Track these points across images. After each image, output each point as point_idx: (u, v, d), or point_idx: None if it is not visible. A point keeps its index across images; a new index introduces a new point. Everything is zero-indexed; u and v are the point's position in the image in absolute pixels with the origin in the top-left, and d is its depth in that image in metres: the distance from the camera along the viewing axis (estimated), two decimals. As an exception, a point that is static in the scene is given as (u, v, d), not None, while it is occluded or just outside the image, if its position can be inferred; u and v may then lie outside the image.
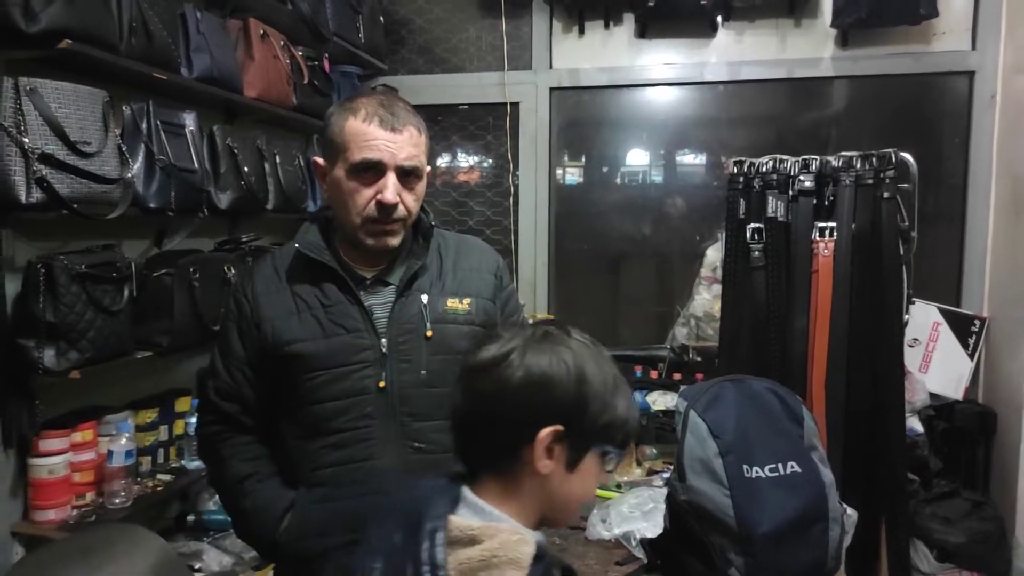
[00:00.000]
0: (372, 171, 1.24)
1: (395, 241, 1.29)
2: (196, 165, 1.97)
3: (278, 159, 2.39)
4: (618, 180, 3.43)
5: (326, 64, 2.74)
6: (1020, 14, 2.78)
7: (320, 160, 1.32)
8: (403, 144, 1.25)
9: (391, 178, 1.24)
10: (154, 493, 1.97)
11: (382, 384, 1.25)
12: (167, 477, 2.04)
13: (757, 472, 1.36)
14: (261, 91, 2.31)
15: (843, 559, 2.16)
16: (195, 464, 2.12)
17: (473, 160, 3.51)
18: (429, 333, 1.28)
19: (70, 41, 1.55)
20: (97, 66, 1.72)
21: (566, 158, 3.45)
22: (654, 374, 2.75)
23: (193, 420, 2.10)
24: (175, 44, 1.95)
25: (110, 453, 1.83)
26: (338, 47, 2.85)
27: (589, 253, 3.45)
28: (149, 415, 2.07)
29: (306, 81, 2.55)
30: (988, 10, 2.92)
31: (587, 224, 3.44)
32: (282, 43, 2.44)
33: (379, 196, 1.23)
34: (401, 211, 1.26)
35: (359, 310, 1.27)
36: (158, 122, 1.85)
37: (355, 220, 1.26)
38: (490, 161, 3.49)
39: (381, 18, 3.26)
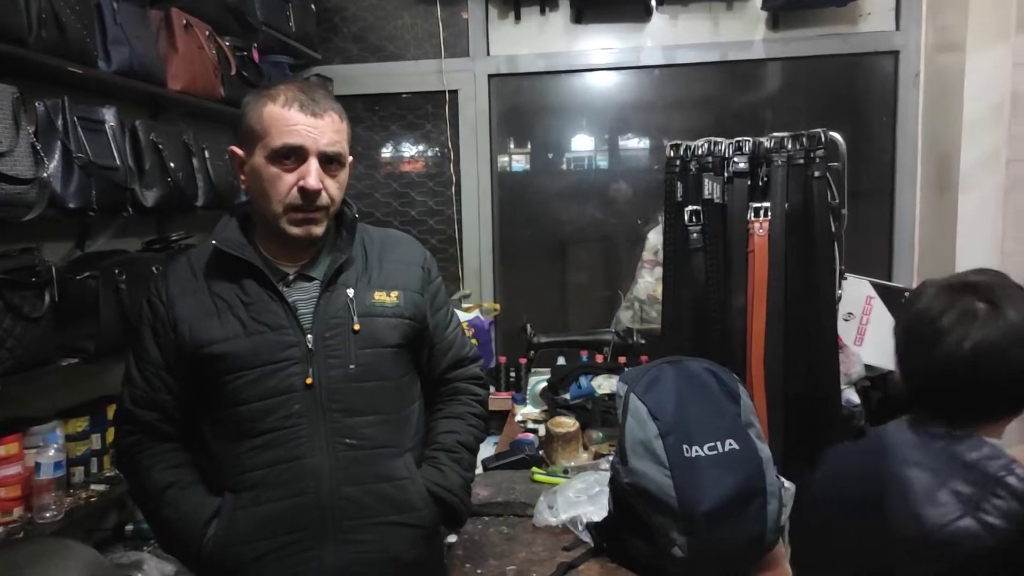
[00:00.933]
0: (293, 157, 1.21)
1: (319, 230, 1.26)
2: (118, 162, 1.89)
3: (207, 154, 2.31)
4: (562, 166, 3.43)
5: (255, 54, 2.66)
6: (940, -5, 2.88)
7: (237, 149, 1.27)
8: (325, 129, 1.22)
9: (313, 163, 1.21)
10: (88, 504, 1.90)
11: (309, 381, 1.22)
12: (101, 487, 1.97)
13: (697, 451, 1.38)
14: (186, 83, 2.23)
15: (782, 531, 2.24)
16: (132, 472, 2.05)
17: (414, 150, 3.47)
18: (357, 327, 1.26)
19: (-29, 35, 1.46)
20: (3, 61, 1.63)
21: (512, 145, 3.44)
22: (600, 358, 2.77)
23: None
24: (91, 36, 1.86)
25: (38, 465, 1.76)
26: (268, 37, 2.77)
27: (534, 240, 3.45)
28: (79, 424, 1.99)
29: (234, 72, 2.47)
30: (910, -9, 3.02)
31: (531, 211, 3.44)
32: (207, 33, 2.36)
33: (301, 182, 1.20)
34: (324, 199, 1.23)
35: (282, 306, 1.24)
36: (75, 118, 1.76)
37: (276, 208, 1.22)
38: (431, 150, 3.45)
39: (313, 6, 3.18)
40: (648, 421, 1.40)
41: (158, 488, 1.24)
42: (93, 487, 1.97)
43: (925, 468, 1.04)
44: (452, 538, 1.63)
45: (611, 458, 2.04)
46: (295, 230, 1.23)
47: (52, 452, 1.77)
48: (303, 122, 1.20)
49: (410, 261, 1.39)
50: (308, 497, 1.21)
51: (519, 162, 3.47)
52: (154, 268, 2.01)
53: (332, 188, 1.25)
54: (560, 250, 3.49)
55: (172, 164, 2.11)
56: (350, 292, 1.28)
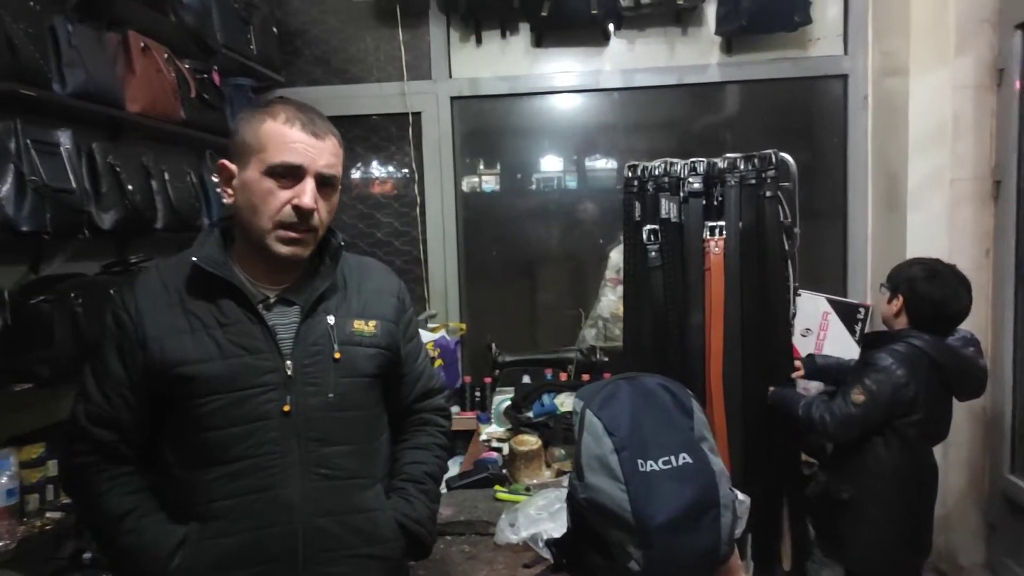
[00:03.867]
0: (290, 175, 1.18)
1: (305, 252, 1.23)
2: (74, 184, 1.88)
3: (167, 176, 2.30)
4: (526, 187, 3.48)
5: (216, 77, 2.66)
6: (885, 20, 2.99)
7: (228, 163, 1.23)
8: (324, 151, 1.21)
9: (310, 183, 1.19)
10: (43, 533, 1.86)
11: (287, 408, 1.18)
12: (57, 515, 1.93)
13: (651, 465, 1.39)
14: (145, 106, 2.23)
15: (737, 544, 2.26)
16: (87, 499, 2.02)
17: (378, 171, 3.49)
18: (338, 355, 1.23)
19: (-80, 57, 1.45)
20: (-45, 84, 1.62)
21: (481, 166, 3.47)
22: (564, 376, 2.79)
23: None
24: (44, 59, 1.85)
25: (-12, 493, 1.72)
26: (228, 59, 2.78)
27: (499, 260, 3.49)
28: (34, 450, 1.95)
29: (194, 95, 2.47)
30: (857, 17, 3.14)
31: (496, 231, 3.48)
32: (166, 56, 2.36)
33: (296, 200, 1.17)
34: (316, 219, 1.21)
35: (262, 330, 1.19)
36: (27, 141, 1.75)
37: (265, 224, 1.18)
38: (396, 172, 3.47)
39: (275, 29, 3.20)
40: (603, 436, 1.41)
41: (116, 514, 1.17)
42: (48, 515, 1.92)
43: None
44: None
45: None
46: (283, 248, 1.20)
47: (4, 479, 1.74)
48: (304, 141, 1.18)
49: (386, 290, 1.37)
50: (280, 528, 1.17)
51: (483, 183, 3.50)
52: (111, 291, 2.00)
53: (324, 210, 1.22)
54: (525, 270, 3.52)
55: (130, 186, 2.10)
56: (331, 319, 1.25)
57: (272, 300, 1.24)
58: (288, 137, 1.18)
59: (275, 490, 1.17)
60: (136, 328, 1.18)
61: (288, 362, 1.19)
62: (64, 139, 1.90)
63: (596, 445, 1.43)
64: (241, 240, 1.25)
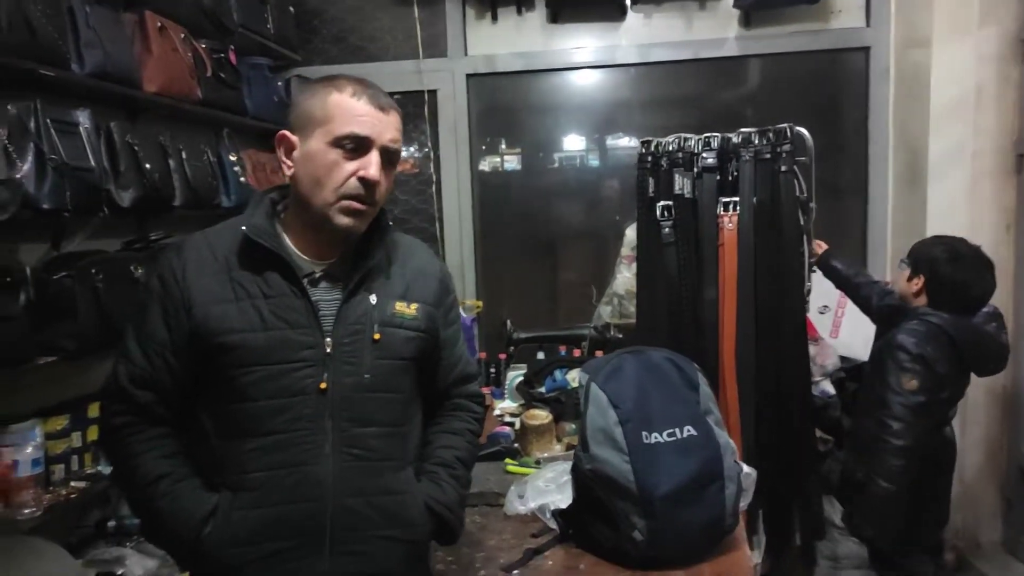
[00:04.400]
0: (357, 147, 1.17)
1: (363, 226, 1.22)
2: (93, 163, 1.91)
3: (184, 155, 2.34)
4: (542, 164, 3.47)
5: (232, 56, 2.68)
6: (908, -9, 2.93)
7: (289, 134, 1.21)
8: (389, 125, 1.20)
9: (375, 155, 1.18)
10: (68, 501, 1.92)
11: (323, 386, 1.17)
12: (82, 484, 1.99)
13: (656, 438, 1.42)
14: (162, 86, 2.26)
15: (748, 519, 2.28)
16: (112, 469, 2.08)
17: (394, 149, 3.50)
18: (377, 336, 1.21)
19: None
20: (-29, 64, 1.65)
21: (491, 144, 3.47)
22: (577, 353, 2.80)
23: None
24: (63, 39, 1.88)
25: (15, 463, 1.78)
26: (245, 38, 2.80)
27: (515, 237, 3.50)
28: (60, 422, 2.01)
29: (210, 74, 2.50)
30: (880, -12, 3.06)
31: (512, 208, 3.48)
32: (183, 36, 2.38)
33: (363, 172, 1.17)
34: (379, 193, 1.20)
35: (305, 304, 1.18)
36: (47, 120, 1.78)
37: (328, 196, 1.17)
38: (412, 149, 3.48)
39: (292, 8, 3.22)
40: (608, 409, 1.44)
41: (151, 477, 1.17)
42: (73, 484, 1.99)
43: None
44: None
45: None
46: (345, 220, 1.19)
47: (30, 449, 1.80)
48: (371, 114, 1.17)
49: (429, 272, 1.35)
50: (310, 505, 1.17)
51: (499, 161, 3.50)
52: (132, 267, 2.04)
53: (384, 185, 1.22)
54: (542, 247, 3.53)
55: (148, 165, 2.13)
56: (373, 299, 1.24)
57: (317, 275, 1.23)
58: (356, 109, 1.17)
59: (307, 466, 1.17)
60: (183, 293, 1.18)
61: (328, 339, 1.19)
62: (83, 118, 1.93)
63: (601, 417, 1.46)
64: (294, 212, 1.25)
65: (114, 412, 1.21)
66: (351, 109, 1.17)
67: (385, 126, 1.19)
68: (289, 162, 1.21)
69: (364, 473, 1.19)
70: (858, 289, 2.47)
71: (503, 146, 3.47)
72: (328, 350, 1.18)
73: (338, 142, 1.16)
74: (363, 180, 1.17)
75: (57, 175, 1.79)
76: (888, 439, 2.00)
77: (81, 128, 1.92)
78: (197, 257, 1.21)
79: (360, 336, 1.21)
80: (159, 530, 1.20)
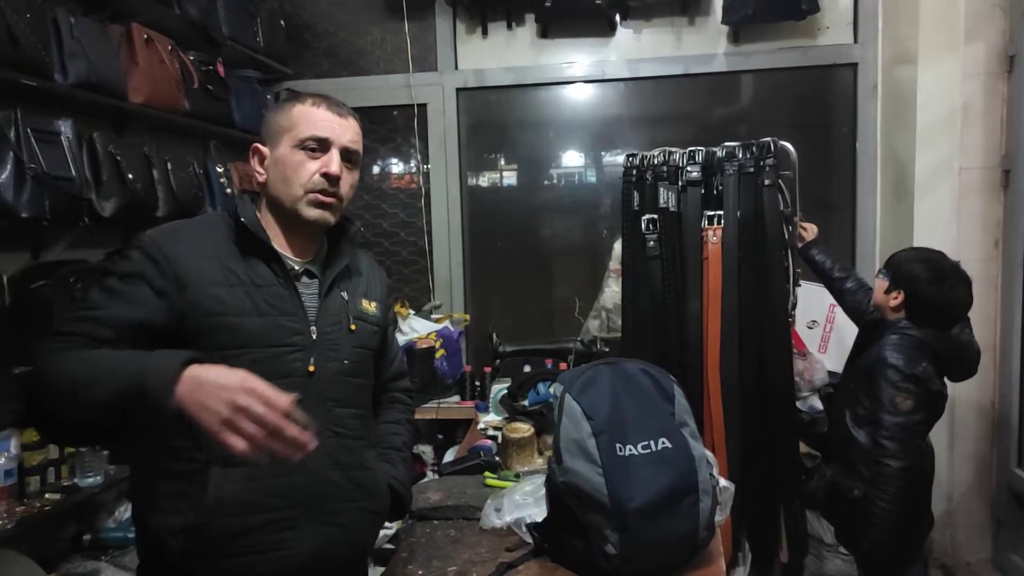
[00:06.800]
0: (319, 147, 1.30)
1: (331, 219, 1.33)
2: (74, 173, 1.92)
3: (169, 165, 2.34)
4: (531, 179, 3.47)
5: (220, 68, 2.69)
6: (895, 7, 2.95)
7: (261, 146, 1.34)
8: (347, 128, 1.33)
9: (336, 154, 1.30)
10: (42, 513, 1.90)
11: (311, 369, 1.27)
12: (57, 496, 1.98)
13: (630, 450, 1.40)
14: (148, 97, 2.26)
15: (734, 536, 2.25)
16: (88, 481, 2.06)
17: (384, 163, 3.51)
18: (353, 327, 1.35)
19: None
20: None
21: (481, 158, 3.47)
22: (563, 366, 2.78)
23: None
24: (46, 50, 1.89)
25: (-12, 473, 1.77)
26: (234, 51, 2.81)
27: (504, 251, 3.49)
28: (35, 433, 2.00)
29: (197, 86, 2.50)
30: (867, 5, 3.09)
31: (501, 222, 3.48)
32: (170, 48, 2.39)
33: (325, 168, 1.29)
34: (343, 187, 1.32)
35: (292, 295, 1.29)
36: (28, 129, 1.79)
37: (297, 192, 1.29)
38: (401, 163, 3.49)
39: (282, 22, 3.23)
40: (582, 421, 1.42)
41: (108, 354, 1.10)
42: (48, 496, 1.97)
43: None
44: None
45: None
46: (313, 212, 1.29)
47: (3, 460, 1.78)
48: (329, 119, 1.31)
49: (379, 275, 1.50)
50: (301, 477, 1.25)
51: (489, 175, 3.51)
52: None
53: (347, 182, 1.33)
54: (531, 261, 3.53)
55: (131, 175, 2.13)
56: (344, 295, 1.37)
57: (299, 270, 1.33)
58: (316, 115, 1.31)
59: None
60: (175, 272, 1.19)
61: (313, 327, 1.29)
62: (65, 128, 1.94)
63: (575, 429, 1.44)
64: (269, 213, 1.35)
65: (51, 346, 1.12)
66: (312, 115, 1.31)
67: (344, 129, 1.32)
68: (260, 170, 1.34)
69: (343, 449, 1.31)
70: (833, 282, 2.48)
71: (502, 162, 3.48)
72: (314, 337, 1.29)
73: (302, 144, 1.29)
74: (326, 175, 1.29)
75: (36, 184, 1.80)
76: (887, 461, 1.98)
77: (63, 137, 1.93)
78: (186, 240, 1.26)
79: (339, 326, 1.33)
80: (123, 375, 1.04)
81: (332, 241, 1.40)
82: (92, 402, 1.04)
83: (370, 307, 1.41)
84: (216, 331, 1.21)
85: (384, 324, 1.47)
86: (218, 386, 1.01)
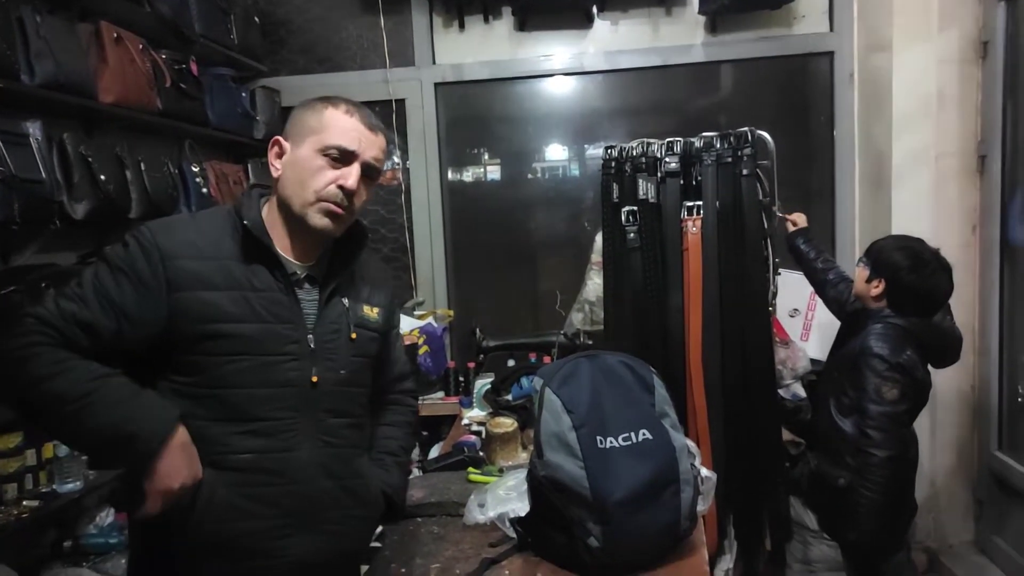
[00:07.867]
0: (342, 158, 1.27)
1: (338, 231, 1.31)
2: (44, 175, 1.88)
3: (143, 166, 2.30)
4: (511, 173, 3.46)
5: (194, 67, 2.65)
6: (870, -4, 2.96)
7: (282, 139, 1.31)
8: (374, 144, 1.31)
9: (356, 168, 1.28)
10: (20, 520, 1.87)
11: (315, 379, 1.27)
12: (35, 503, 1.95)
13: (611, 442, 1.40)
14: (118, 96, 2.23)
15: (719, 524, 2.25)
16: (68, 487, 2.03)
17: (364, 159, 3.48)
18: (353, 335, 1.33)
19: None
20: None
21: (461, 153, 3.45)
22: (547, 360, 2.78)
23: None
24: (12, 50, 1.85)
25: (-37, 482, 1.74)
26: (208, 49, 2.77)
27: (486, 246, 3.48)
28: (12, 440, 1.97)
29: (169, 84, 2.47)
30: (842, -7, 3.09)
31: (483, 217, 3.47)
32: (141, 46, 2.35)
33: (341, 181, 1.26)
34: (356, 202, 1.30)
35: (291, 301, 1.27)
36: (-6, 132, 1.76)
37: (309, 196, 1.26)
38: (394, 160, 3.46)
39: (256, 19, 3.19)
40: (562, 414, 1.42)
41: (98, 373, 1.13)
42: (26, 503, 1.94)
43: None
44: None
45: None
46: (320, 220, 1.27)
47: (-23, 468, 1.75)
48: (360, 131, 1.29)
49: (383, 279, 1.48)
50: (295, 487, 1.25)
51: (469, 170, 3.49)
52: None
53: (361, 196, 1.31)
54: (513, 256, 3.52)
55: (103, 176, 2.10)
56: (345, 302, 1.34)
57: (300, 276, 1.31)
58: (348, 124, 1.28)
59: (289, 452, 1.25)
60: (166, 272, 1.19)
61: (310, 336, 1.27)
62: (34, 130, 1.90)
63: (555, 423, 1.44)
64: (276, 213, 1.32)
65: (39, 332, 1.13)
66: (343, 124, 1.28)
67: (370, 144, 1.30)
68: (277, 164, 1.31)
69: (336, 459, 1.30)
70: (815, 273, 2.49)
71: (486, 156, 3.46)
72: (312, 346, 1.27)
73: (326, 151, 1.27)
74: (342, 188, 1.27)
75: (5, 187, 1.76)
76: (872, 451, 1.98)
77: (31, 139, 1.89)
78: (186, 240, 1.23)
79: (338, 335, 1.31)
80: (116, 420, 1.12)
81: (339, 244, 1.37)
82: (79, 424, 1.12)
83: (372, 313, 1.39)
84: (210, 337, 1.20)
85: (384, 329, 1.45)
86: (188, 460, 1.17)
